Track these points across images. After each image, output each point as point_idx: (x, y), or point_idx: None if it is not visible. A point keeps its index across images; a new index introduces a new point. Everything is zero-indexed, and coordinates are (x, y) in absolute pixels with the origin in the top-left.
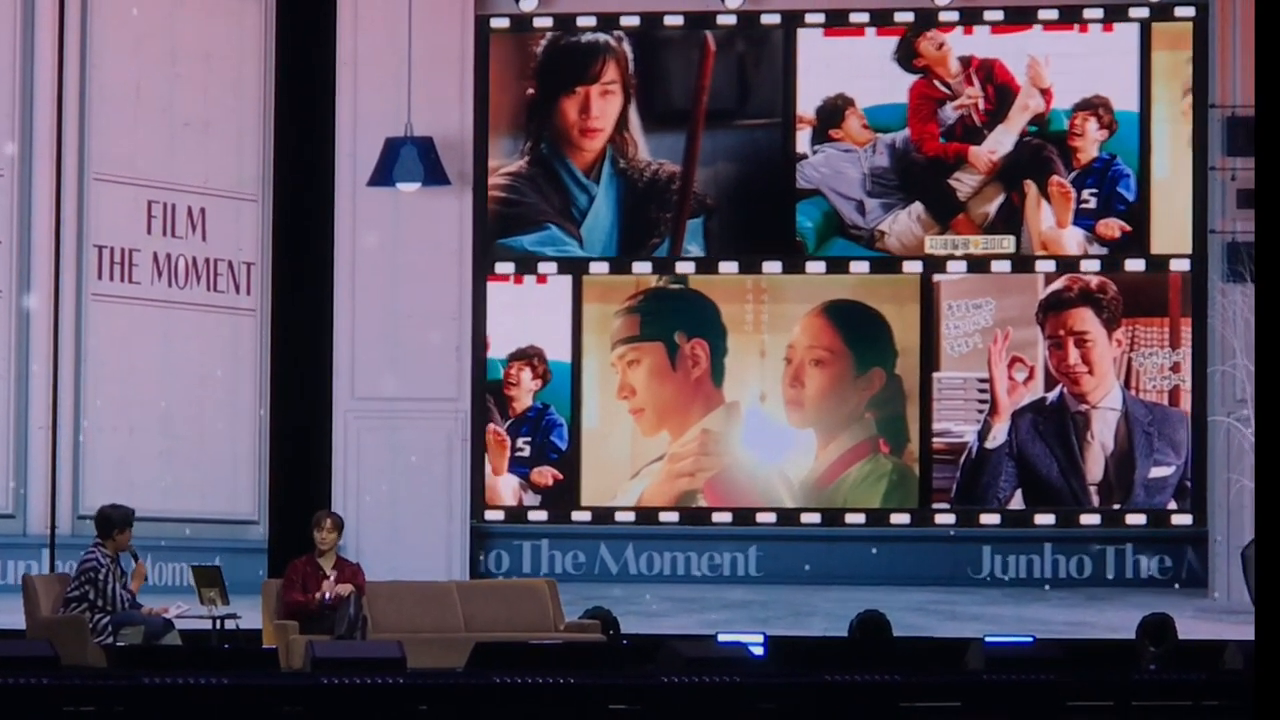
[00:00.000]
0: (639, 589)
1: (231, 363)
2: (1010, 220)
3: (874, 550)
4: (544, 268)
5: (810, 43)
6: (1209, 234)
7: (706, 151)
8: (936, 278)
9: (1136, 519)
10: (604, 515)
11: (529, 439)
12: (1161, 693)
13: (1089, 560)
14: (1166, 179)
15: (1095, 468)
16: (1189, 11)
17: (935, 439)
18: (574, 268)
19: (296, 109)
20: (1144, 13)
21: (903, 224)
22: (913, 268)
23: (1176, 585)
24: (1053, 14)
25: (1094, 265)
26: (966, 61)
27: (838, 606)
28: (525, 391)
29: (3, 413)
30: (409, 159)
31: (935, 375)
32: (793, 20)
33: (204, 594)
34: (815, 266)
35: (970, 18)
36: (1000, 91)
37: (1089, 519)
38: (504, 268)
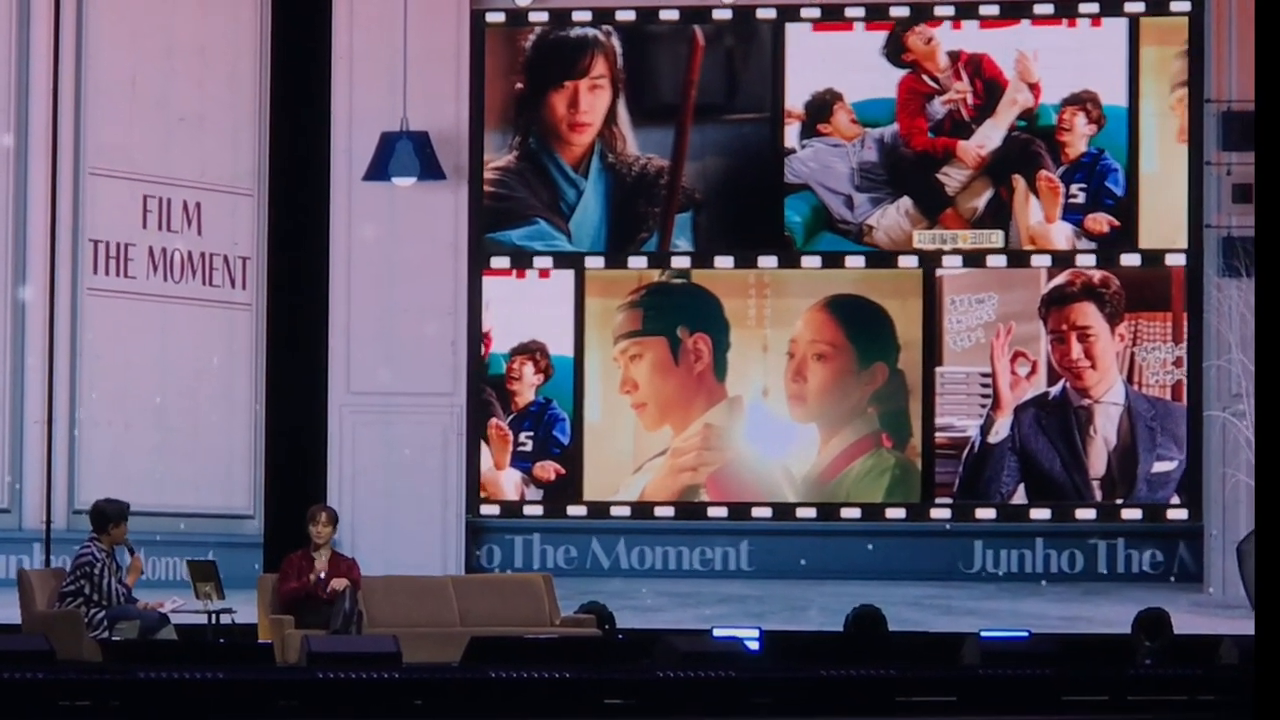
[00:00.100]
0: (634, 584)
1: (227, 357)
2: (998, 215)
3: (869, 545)
4: (543, 262)
5: (799, 37)
6: (1204, 229)
7: (695, 146)
8: (939, 272)
9: (1131, 513)
10: (599, 510)
11: (531, 433)
12: (1157, 687)
13: (1083, 555)
14: (1155, 174)
15: (1098, 463)
16: (1184, 6)
17: (938, 434)
18: (570, 262)
19: (292, 103)
20: (1138, 7)
21: (891, 219)
22: (908, 262)
23: (1172, 580)
24: (1046, 8)
25: (1089, 260)
26: (955, 56)
27: (833, 601)
28: (528, 386)
29: None
30: (404, 153)
31: (938, 370)
32: (786, 15)
33: (199, 588)
34: (810, 261)
35: (962, 12)
36: (989, 86)
37: (1084, 513)
38: (499, 262)
